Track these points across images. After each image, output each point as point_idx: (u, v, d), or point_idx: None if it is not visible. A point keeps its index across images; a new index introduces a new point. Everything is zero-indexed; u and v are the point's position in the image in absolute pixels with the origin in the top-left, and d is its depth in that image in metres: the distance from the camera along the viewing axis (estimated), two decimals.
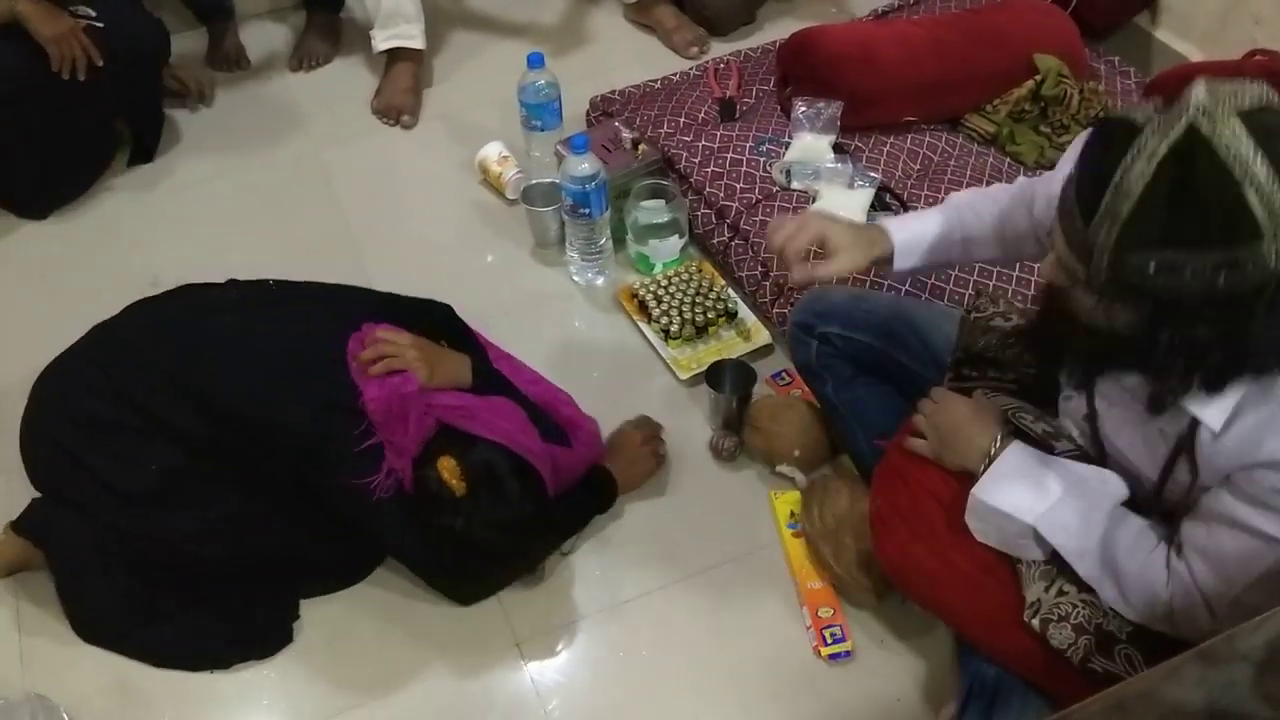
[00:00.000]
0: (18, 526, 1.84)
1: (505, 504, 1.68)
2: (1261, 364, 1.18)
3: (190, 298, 1.95)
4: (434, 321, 1.93)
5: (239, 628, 1.81)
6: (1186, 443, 1.27)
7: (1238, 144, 1.07)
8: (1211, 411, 1.22)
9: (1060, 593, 1.42)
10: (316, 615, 1.84)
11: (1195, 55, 2.60)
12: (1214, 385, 1.19)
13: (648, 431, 2.01)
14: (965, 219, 1.63)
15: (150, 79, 2.70)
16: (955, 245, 1.63)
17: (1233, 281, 1.09)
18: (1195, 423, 1.24)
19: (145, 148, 2.72)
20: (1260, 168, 1.06)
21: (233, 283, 1.98)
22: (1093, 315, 1.22)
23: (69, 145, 2.56)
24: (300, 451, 1.73)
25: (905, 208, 2.25)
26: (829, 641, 1.75)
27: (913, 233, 1.63)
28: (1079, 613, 1.40)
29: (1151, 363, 1.20)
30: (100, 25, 2.42)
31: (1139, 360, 1.22)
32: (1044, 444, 1.46)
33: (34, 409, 1.90)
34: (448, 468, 1.67)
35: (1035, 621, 1.42)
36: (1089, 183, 1.14)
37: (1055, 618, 1.41)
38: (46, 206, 2.61)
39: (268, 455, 1.76)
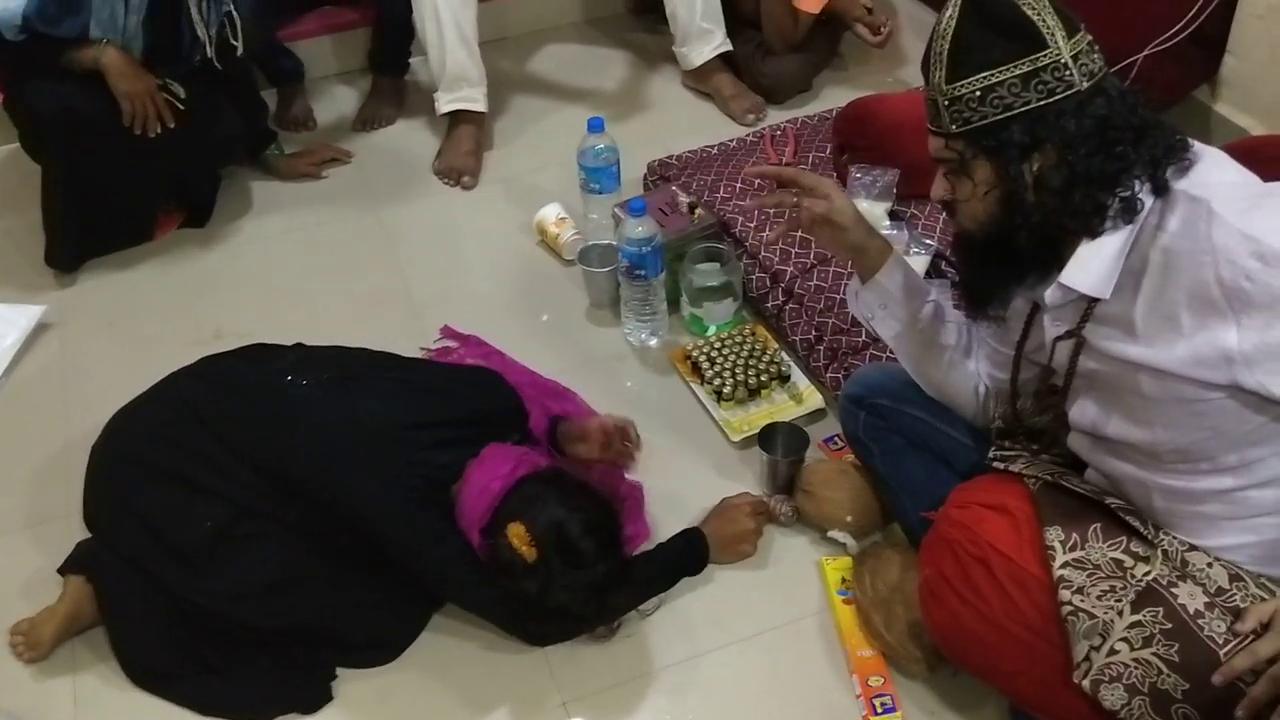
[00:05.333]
0: (65, 566, 1.87)
1: (580, 565, 1.68)
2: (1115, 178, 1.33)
3: (261, 362, 1.97)
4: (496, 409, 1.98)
5: (278, 684, 1.81)
6: None
7: None
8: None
9: (1111, 652, 1.39)
10: (364, 670, 1.84)
11: (1257, 130, 2.58)
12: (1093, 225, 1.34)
13: (760, 517, 1.97)
14: (943, 303, 1.72)
15: (207, 177, 2.77)
16: (928, 306, 1.69)
17: (1045, 94, 1.32)
18: None
19: (196, 219, 2.76)
20: None
21: (299, 346, 2.02)
22: (973, 203, 1.41)
23: (112, 206, 2.56)
24: (368, 527, 1.76)
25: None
26: (879, 711, 1.72)
27: (906, 261, 1.73)
28: (1131, 673, 1.38)
29: (1025, 212, 1.37)
30: (182, 107, 2.45)
31: (1020, 213, 1.37)
32: (1091, 501, 1.49)
33: (101, 448, 1.94)
34: (517, 534, 1.67)
35: (1086, 683, 1.40)
36: (928, 44, 1.40)
37: (1106, 678, 1.39)
38: (74, 261, 2.61)
39: (333, 524, 1.79)
